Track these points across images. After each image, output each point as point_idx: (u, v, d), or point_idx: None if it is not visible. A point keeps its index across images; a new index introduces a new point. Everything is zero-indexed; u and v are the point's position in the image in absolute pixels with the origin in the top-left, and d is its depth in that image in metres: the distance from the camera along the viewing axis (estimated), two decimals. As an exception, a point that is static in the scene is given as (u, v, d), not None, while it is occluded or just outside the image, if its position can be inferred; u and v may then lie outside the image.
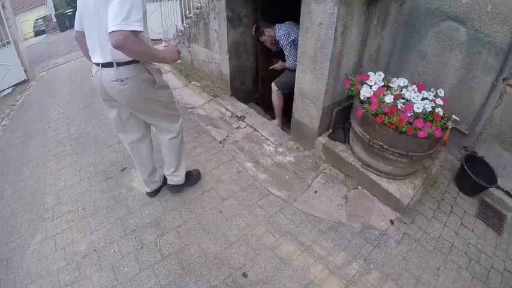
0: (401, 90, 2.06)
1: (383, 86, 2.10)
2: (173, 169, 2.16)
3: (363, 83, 2.16)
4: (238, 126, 3.21)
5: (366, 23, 2.22)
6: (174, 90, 3.90)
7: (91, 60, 1.61)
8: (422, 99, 1.99)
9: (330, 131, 2.63)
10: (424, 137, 1.80)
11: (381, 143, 1.99)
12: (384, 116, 1.88)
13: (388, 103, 1.91)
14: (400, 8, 2.45)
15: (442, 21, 2.28)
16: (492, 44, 2.10)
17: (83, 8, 1.50)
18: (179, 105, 3.73)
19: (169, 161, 2.12)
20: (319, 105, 2.45)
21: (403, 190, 2.12)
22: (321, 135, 2.63)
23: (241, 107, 3.64)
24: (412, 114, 1.86)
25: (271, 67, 3.47)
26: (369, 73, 2.17)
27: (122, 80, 1.52)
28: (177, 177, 2.23)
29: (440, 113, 1.86)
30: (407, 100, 1.99)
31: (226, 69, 3.78)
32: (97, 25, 1.44)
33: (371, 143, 2.05)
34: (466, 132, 2.48)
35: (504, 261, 1.96)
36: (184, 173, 2.25)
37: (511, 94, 2.16)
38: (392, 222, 2.06)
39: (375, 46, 2.48)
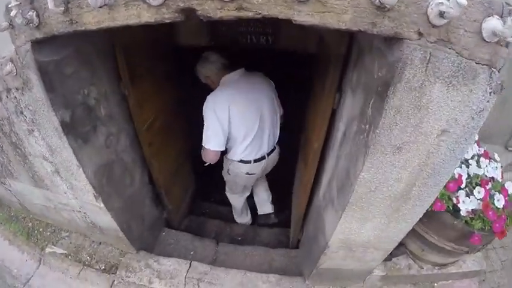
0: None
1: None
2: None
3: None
4: None
5: None
6: None
7: (244, 161, 1.83)
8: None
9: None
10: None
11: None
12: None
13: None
14: None
15: None
16: None
17: (237, 122, 1.61)
18: None
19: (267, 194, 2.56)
20: (387, 249, 1.58)
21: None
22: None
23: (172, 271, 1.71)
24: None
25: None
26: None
27: (279, 151, 2.02)
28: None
29: None
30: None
31: (105, 221, 1.71)
32: (268, 120, 1.73)
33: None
34: None
35: None
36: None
37: None
38: None
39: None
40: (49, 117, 1.21)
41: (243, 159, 1.79)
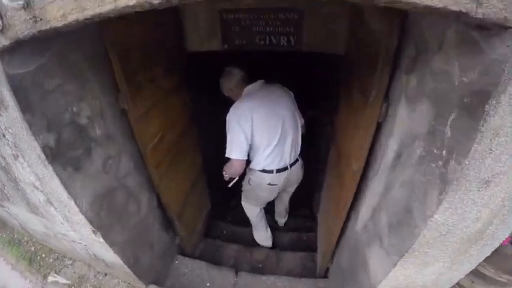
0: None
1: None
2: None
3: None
4: None
5: None
6: None
7: (267, 171, 1.81)
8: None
9: None
10: None
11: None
12: None
13: None
14: None
15: None
16: None
17: (259, 131, 1.64)
18: None
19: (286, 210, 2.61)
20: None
21: None
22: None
23: None
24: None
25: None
26: None
27: (302, 165, 1.98)
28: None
29: None
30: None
31: (108, 256, 1.47)
32: (289, 130, 1.74)
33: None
34: None
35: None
36: None
37: None
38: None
39: None
40: (29, 142, 0.99)
41: (265, 168, 1.80)
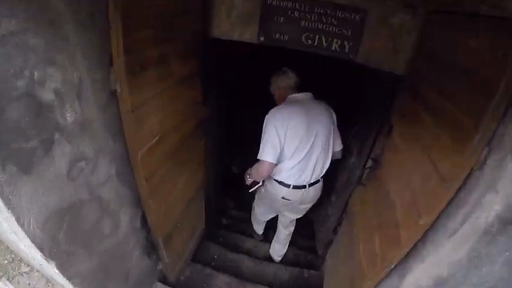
0: None
1: None
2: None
3: None
4: None
5: None
6: None
7: (284, 184, 1.76)
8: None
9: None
10: None
11: None
12: None
13: None
14: None
15: None
16: None
17: (290, 141, 1.61)
18: None
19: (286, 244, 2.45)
20: None
21: None
22: None
23: None
24: None
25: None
26: None
27: (322, 187, 1.91)
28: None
29: None
30: None
31: (66, 285, 1.04)
32: (318, 149, 1.68)
33: None
34: None
35: None
36: None
37: None
38: None
39: None
40: None
41: (283, 181, 1.76)
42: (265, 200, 2.08)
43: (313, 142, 1.66)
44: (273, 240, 2.50)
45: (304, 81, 1.78)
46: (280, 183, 1.78)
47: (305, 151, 1.66)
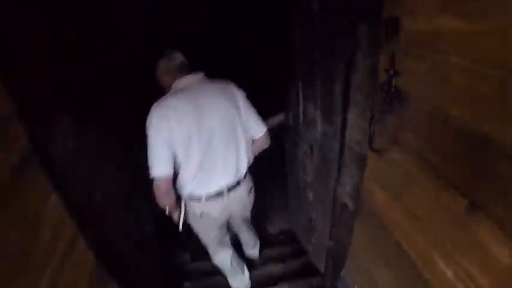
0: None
1: None
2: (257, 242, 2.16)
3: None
4: None
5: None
6: None
7: (195, 198, 1.45)
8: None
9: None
10: None
11: None
12: None
13: None
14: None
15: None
16: None
17: (179, 140, 1.29)
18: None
19: (254, 238, 2.10)
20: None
21: None
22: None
23: None
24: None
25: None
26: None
27: (251, 188, 1.61)
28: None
29: None
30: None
31: None
32: (224, 143, 1.38)
33: None
34: None
35: None
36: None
37: None
38: None
39: None
40: None
41: (192, 193, 1.44)
42: (200, 232, 1.67)
43: (210, 138, 1.34)
44: (244, 249, 2.16)
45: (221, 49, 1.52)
46: (191, 198, 1.46)
47: (201, 151, 1.35)
